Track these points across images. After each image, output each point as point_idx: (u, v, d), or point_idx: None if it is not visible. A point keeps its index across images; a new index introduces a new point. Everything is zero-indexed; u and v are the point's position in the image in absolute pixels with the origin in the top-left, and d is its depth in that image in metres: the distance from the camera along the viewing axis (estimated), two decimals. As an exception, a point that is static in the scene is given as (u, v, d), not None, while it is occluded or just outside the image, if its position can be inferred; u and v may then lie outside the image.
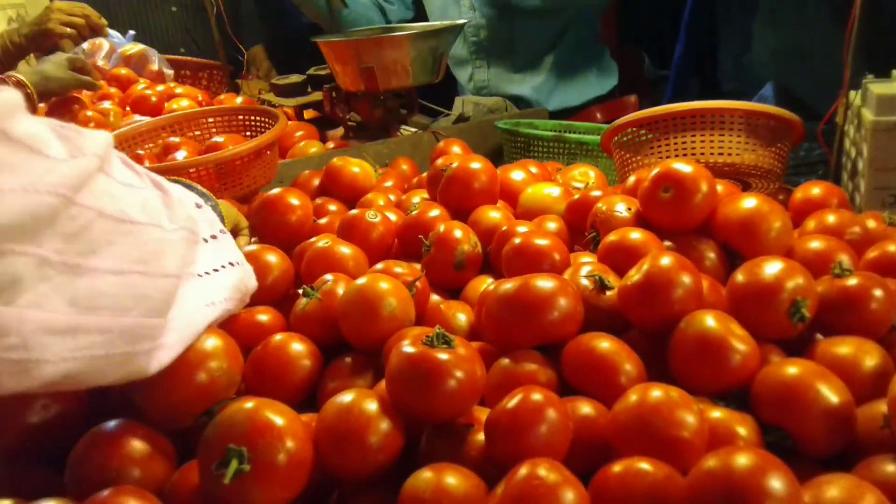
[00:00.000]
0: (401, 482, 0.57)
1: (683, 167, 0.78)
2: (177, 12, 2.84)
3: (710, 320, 0.63)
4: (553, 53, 1.65)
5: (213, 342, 0.67)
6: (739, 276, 0.68)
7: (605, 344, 0.65)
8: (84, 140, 0.55)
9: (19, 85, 1.62)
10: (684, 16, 2.62)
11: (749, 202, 0.76)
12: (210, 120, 1.47)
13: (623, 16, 2.53)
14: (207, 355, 0.66)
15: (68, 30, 1.79)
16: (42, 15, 1.83)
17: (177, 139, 1.37)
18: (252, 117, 1.48)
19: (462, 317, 0.80)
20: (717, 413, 0.60)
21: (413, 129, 1.69)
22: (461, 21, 1.60)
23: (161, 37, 2.97)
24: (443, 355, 0.61)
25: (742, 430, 0.59)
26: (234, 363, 0.70)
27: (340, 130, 1.80)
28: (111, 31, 2.23)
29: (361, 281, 0.76)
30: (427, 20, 1.86)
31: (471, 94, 1.81)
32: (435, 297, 0.86)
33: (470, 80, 1.78)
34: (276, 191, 1.02)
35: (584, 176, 1.10)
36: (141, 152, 1.30)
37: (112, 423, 0.65)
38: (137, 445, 0.64)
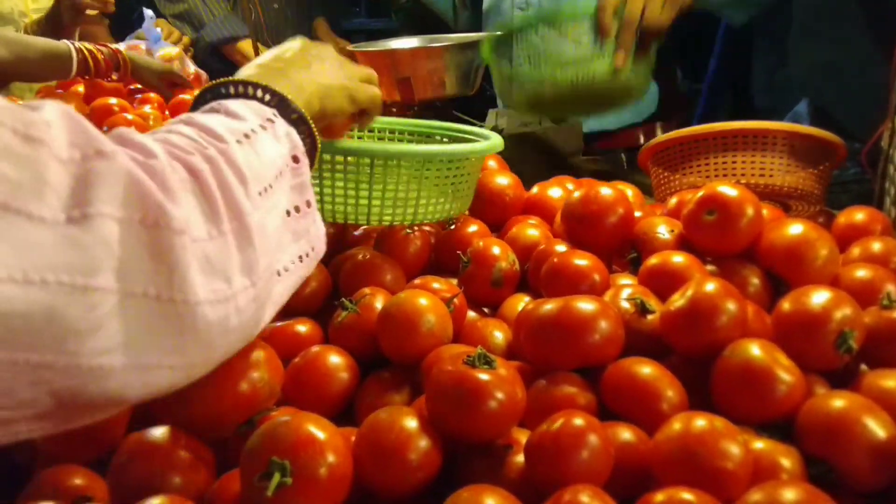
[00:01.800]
0: (438, 501, 0.58)
1: (729, 190, 0.78)
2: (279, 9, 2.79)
3: (755, 349, 0.63)
4: None
5: (256, 353, 0.68)
6: (786, 305, 0.67)
7: (646, 369, 0.65)
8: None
9: (116, 53, 1.74)
10: (720, 29, 2.60)
11: (796, 228, 0.75)
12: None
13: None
14: (250, 366, 0.67)
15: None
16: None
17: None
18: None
19: (499, 335, 0.80)
20: (760, 444, 0.59)
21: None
22: (499, 33, 1.59)
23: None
24: (484, 376, 0.61)
25: (786, 462, 0.58)
26: (275, 374, 0.70)
27: (374, 139, 1.81)
28: (153, 29, 2.25)
29: (400, 296, 0.77)
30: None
31: (505, 106, 1.81)
32: (471, 314, 0.86)
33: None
34: (314, 201, 1.03)
35: (622, 194, 1.09)
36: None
37: (156, 430, 0.66)
38: (180, 453, 0.64)
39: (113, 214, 0.42)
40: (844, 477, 0.58)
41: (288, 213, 0.58)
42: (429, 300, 0.76)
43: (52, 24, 1.77)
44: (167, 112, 1.78)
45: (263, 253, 0.53)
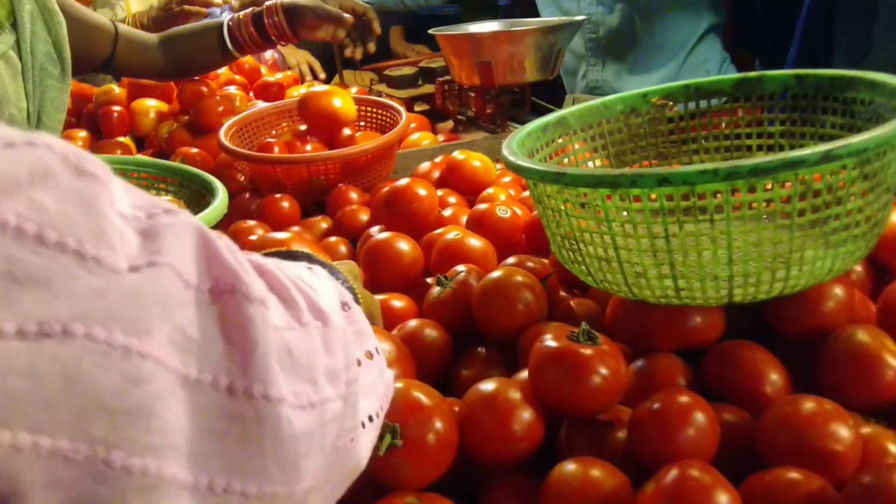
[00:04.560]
0: (539, 472, 0.60)
1: (831, 177, 0.77)
2: None
3: (863, 335, 0.62)
4: (678, 57, 1.63)
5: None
6: (893, 292, 0.67)
7: (750, 352, 0.65)
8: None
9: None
10: (800, 18, 2.51)
11: (902, 216, 0.74)
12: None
13: (735, 16, 2.46)
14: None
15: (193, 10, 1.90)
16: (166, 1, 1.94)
17: (304, 127, 1.43)
18: (368, 108, 1.53)
19: (592, 316, 0.81)
20: (867, 429, 0.59)
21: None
22: (580, 18, 1.59)
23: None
24: (588, 351, 0.62)
25: (894, 448, 0.58)
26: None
27: (450, 123, 1.83)
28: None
29: (498, 273, 0.78)
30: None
31: (581, 92, 1.81)
32: (562, 294, 0.87)
33: (583, 78, 1.78)
34: (403, 181, 1.06)
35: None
36: (271, 140, 1.36)
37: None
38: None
39: (181, 274, 0.32)
40: (955, 466, 0.58)
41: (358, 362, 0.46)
42: (525, 278, 0.78)
43: (160, 25, 1.84)
44: (251, 94, 1.83)
45: (345, 369, 0.42)
